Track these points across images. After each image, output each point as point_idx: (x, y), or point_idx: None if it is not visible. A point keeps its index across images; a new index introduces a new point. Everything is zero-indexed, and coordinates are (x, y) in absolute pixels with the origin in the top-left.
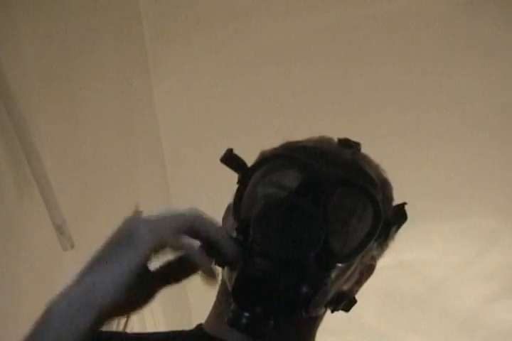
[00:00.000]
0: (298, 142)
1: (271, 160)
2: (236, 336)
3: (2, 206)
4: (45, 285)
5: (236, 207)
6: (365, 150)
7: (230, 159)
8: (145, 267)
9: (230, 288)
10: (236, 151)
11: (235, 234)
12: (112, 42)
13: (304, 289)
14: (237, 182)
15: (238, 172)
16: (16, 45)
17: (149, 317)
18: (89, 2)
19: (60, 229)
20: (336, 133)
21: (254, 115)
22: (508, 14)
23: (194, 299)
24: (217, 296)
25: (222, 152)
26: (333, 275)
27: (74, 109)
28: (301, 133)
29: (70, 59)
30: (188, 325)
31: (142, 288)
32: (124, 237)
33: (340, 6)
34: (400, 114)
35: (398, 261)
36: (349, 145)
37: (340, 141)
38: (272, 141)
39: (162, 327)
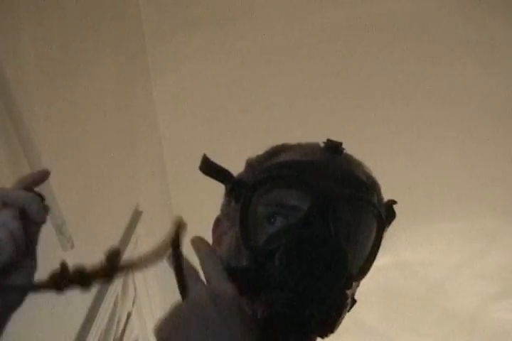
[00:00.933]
0: (284, 148)
1: (273, 180)
2: None
3: None
4: None
5: (243, 234)
6: (365, 150)
7: (210, 168)
8: None
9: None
10: (236, 150)
11: (244, 261)
12: (112, 42)
13: (333, 314)
14: (225, 196)
15: (225, 184)
16: (16, 45)
17: (150, 318)
18: (90, 2)
19: (60, 229)
20: (335, 132)
21: (254, 114)
22: (508, 14)
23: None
24: None
25: (222, 151)
26: (349, 292)
27: (74, 108)
28: (301, 131)
29: (70, 59)
30: None
31: None
32: None
33: (341, 5)
34: (400, 113)
35: (398, 261)
36: (337, 151)
37: (326, 146)
38: (272, 140)
39: (159, 312)
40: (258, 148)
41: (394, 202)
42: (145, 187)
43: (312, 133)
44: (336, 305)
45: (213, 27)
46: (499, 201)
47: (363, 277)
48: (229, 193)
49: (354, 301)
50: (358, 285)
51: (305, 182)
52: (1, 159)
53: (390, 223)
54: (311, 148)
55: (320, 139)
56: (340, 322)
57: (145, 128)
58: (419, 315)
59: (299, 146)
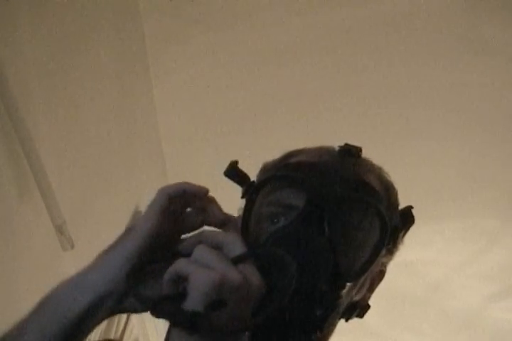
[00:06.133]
0: (298, 153)
1: (273, 180)
2: None
3: (2, 206)
4: (44, 285)
5: (243, 230)
6: (364, 150)
7: (234, 173)
8: (143, 255)
9: None
10: (236, 151)
11: None
12: (112, 42)
13: (318, 312)
14: (242, 197)
15: (242, 187)
16: (16, 44)
17: (150, 318)
18: (90, 2)
19: (60, 229)
20: (335, 133)
21: (254, 114)
22: (508, 14)
23: None
24: None
25: (221, 151)
26: (344, 292)
27: (74, 108)
28: (302, 132)
29: (70, 59)
30: None
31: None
32: (126, 229)
33: (340, 5)
34: (400, 113)
35: (398, 261)
36: (350, 154)
37: (340, 149)
38: (272, 141)
39: (161, 327)
40: (258, 148)
41: (411, 207)
42: (145, 187)
43: (313, 133)
44: (325, 303)
45: (214, 28)
46: (499, 201)
47: (359, 278)
48: (243, 196)
49: (367, 307)
50: (370, 292)
51: (303, 182)
52: (1, 159)
53: (407, 228)
54: (324, 150)
55: (319, 139)
56: (332, 323)
57: (145, 128)
58: (419, 315)
59: (313, 149)
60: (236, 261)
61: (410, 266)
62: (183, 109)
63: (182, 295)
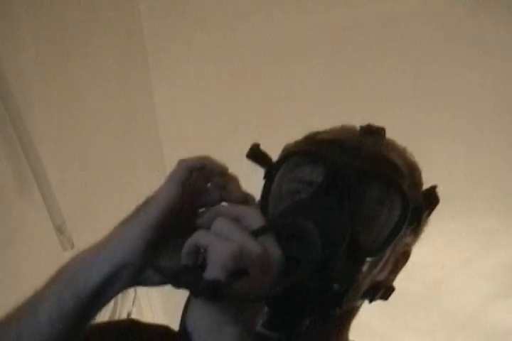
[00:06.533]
0: (319, 133)
1: (293, 156)
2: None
3: (2, 206)
4: None
5: (262, 207)
6: None
7: (257, 155)
8: (162, 226)
9: None
10: (236, 151)
11: None
12: (111, 42)
13: (335, 287)
14: (264, 178)
15: (264, 168)
16: (16, 45)
17: (150, 318)
18: (89, 2)
19: (60, 229)
20: None
21: (254, 114)
22: (508, 14)
23: None
24: None
25: (222, 152)
26: (364, 268)
27: (74, 108)
28: (302, 133)
29: (69, 59)
30: (184, 295)
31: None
32: (145, 200)
33: (340, 5)
34: (399, 113)
35: None
36: (371, 133)
37: (362, 128)
38: (273, 141)
39: (159, 312)
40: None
41: (435, 187)
42: (145, 187)
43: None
44: (342, 277)
45: (214, 28)
46: (499, 201)
47: (378, 254)
48: (265, 177)
49: (391, 289)
50: (394, 273)
51: (322, 156)
52: (1, 159)
53: (432, 209)
54: (346, 129)
55: None
56: (351, 300)
57: (145, 128)
58: (419, 314)
59: (334, 128)
60: (256, 233)
61: (410, 266)
62: (183, 109)
63: (202, 266)
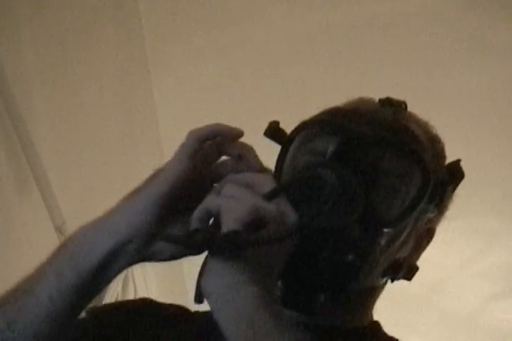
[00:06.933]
0: (337, 106)
1: (306, 127)
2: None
3: (2, 206)
4: None
5: (276, 177)
6: None
7: (275, 132)
8: (170, 200)
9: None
10: None
11: None
12: (112, 42)
13: (350, 257)
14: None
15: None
16: (16, 45)
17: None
18: (89, 2)
19: (60, 229)
20: None
21: (254, 114)
22: (508, 14)
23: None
24: None
25: None
26: (382, 241)
27: (74, 108)
28: None
29: (70, 59)
30: (182, 293)
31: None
32: (155, 172)
33: (340, 5)
34: None
35: None
36: (391, 105)
37: (381, 100)
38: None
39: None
40: (259, 148)
41: (459, 160)
42: None
43: None
44: (358, 247)
45: (214, 28)
46: (499, 201)
47: (396, 225)
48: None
49: (415, 269)
50: (418, 252)
51: (336, 124)
52: (1, 159)
53: (456, 184)
54: (364, 100)
55: None
56: (370, 273)
57: (145, 128)
58: (419, 315)
59: (351, 100)
60: (268, 197)
61: None
62: (183, 109)
63: (215, 227)
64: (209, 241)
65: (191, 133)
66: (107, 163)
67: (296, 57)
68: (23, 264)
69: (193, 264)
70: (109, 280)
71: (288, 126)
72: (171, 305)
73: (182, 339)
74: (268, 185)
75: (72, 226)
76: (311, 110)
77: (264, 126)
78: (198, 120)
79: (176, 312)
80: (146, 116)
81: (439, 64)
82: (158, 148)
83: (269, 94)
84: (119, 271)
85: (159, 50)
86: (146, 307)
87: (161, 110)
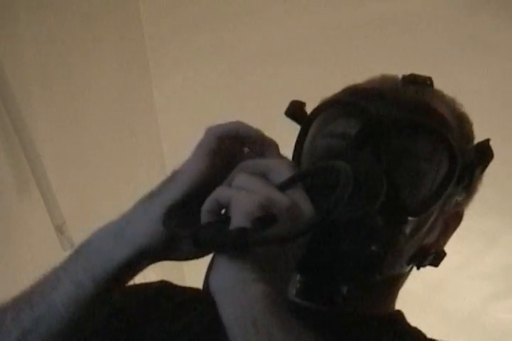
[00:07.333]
0: (358, 85)
1: (327, 107)
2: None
3: (2, 206)
4: None
5: (295, 160)
6: None
7: (297, 112)
8: (186, 204)
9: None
10: None
11: None
12: (112, 42)
13: (373, 248)
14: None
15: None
16: (16, 45)
17: None
18: (89, 2)
19: (60, 229)
20: None
21: (254, 115)
22: (508, 14)
23: (188, 267)
24: None
25: None
26: (407, 230)
27: (74, 109)
28: None
29: (70, 59)
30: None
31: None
32: (171, 174)
33: (340, 5)
34: None
35: None
36: (415, 82)
37: (404, 77)
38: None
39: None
40: None
41: (489, 140)
42: (145, 187)
43: None
44: (381, 237)
45: (214, 29)
46: (499, 201)
47: (422, 213)
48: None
49: (443, 255)
50: (445, 236)
51: (357, 105)
52: (1, 159)
53: (485, 165)
54: (386, 78)
55: None
56: (394, 263)
57: (145, 128)
58: (419, 315)
59: (373, 78)
60: (283, 186)
61: None
62: (183, 109)
63: (224, 221)
64: (213, 240)
65: (210, 131)
66: (107, 163)
67: (296, 57)
68: (23, 264)
69: (193, 264)
70: (125, 284)
71: (288, 126)
72: (190, 290)
73: (199, 321)
74: (284, 172)
75: (72, 226)
76: (311, 110)
77: (265, 125)
78: (198, 120)
79: (194, 295)
80: (146, 116)
81: (439, 64)
82: (158, 148)
83: (269, 93)
84: (135, 276)
85: (159, 50)
86: (165, 289)
87: (161, 110)
